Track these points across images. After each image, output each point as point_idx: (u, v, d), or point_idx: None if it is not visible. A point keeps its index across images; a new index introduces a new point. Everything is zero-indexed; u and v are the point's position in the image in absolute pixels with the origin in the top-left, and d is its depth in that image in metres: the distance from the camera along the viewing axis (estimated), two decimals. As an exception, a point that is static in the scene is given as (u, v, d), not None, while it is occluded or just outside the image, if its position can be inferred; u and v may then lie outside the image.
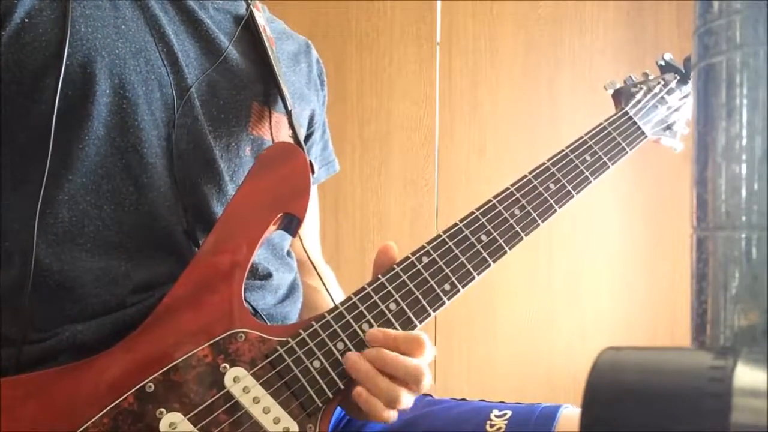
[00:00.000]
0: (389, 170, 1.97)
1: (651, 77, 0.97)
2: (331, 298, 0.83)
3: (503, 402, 0.81)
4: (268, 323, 0.76)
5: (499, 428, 0.75)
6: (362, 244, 1.96)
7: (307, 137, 0.92)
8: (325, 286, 0.84)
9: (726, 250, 0.34)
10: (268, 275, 0.79)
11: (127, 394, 0.63)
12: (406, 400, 0.67)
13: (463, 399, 0.84)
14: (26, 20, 0.67)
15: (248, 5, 0.83)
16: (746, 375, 0.28)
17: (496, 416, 0.76)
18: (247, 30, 0.82)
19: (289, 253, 0.86)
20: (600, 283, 2.01)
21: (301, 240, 0.85)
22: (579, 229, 1.96)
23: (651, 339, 2.01)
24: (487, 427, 0.75)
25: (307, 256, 0.87)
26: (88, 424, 0.62)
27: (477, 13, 2.00)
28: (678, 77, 0.96)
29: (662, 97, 0.92)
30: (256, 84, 0.80)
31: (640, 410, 0.30)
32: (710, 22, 0.35)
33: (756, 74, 0.33)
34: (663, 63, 0.98)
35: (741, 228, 0.33)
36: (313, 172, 0.77)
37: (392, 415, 0.66)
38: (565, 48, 2.02)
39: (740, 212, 0.33)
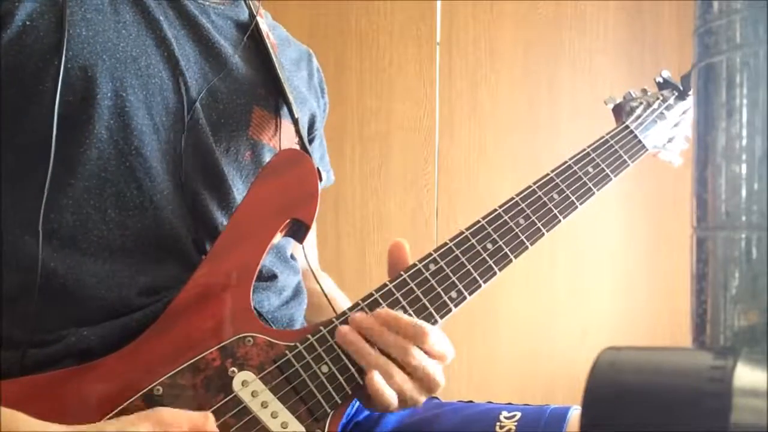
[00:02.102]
0: (389, 170, 1.97)
1: (649, 93, 0.99)
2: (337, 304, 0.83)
3: (511, 404, 0.81)
4: (273, 325, 0.76)
5: (509, 429, 0.75)
6: (362, 244, 1.96)
7: (309, 142, 0.92)
8: (326, 295, 0.84)
9: (726, 250, 0.34)
10: (273, 276, 0.79)
11: (135, 397, 0.63)
12: (408, 387, 0.66)
13: (470, 401, 0.84)
14: (27, 23, 0.67)
15: (249, 9, 0.83)
16: (746, 375, 0.28)
17: (506, 417, 0.77)
18: (251, 36, 0.82)
19: (292, 256, 0.86)
20: (601, 282, 2.01)
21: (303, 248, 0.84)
22: (580, 228, 1.96)
23: (651, 339, 2.01)
24: (497, 428, 0.75)
25: (308, 262, 0.87)
26: None
27: (477, 13, 1.99)
28: (676, 93, 0.98)
29: (661, 113, 0.95)
30: (259, 89, 0.80)
31: (640, 410, 0.30)
32: (710, 22, 0.35)
33: (756, 74, 0.33)
34: (661, 80, 1.00)
35: (741, 228, 0.33)
36: (320, 179, 0.77)
37: (394, 401, 0.66)
38: (565, 48, 2.01)
39: (740, 212, 0.33)
